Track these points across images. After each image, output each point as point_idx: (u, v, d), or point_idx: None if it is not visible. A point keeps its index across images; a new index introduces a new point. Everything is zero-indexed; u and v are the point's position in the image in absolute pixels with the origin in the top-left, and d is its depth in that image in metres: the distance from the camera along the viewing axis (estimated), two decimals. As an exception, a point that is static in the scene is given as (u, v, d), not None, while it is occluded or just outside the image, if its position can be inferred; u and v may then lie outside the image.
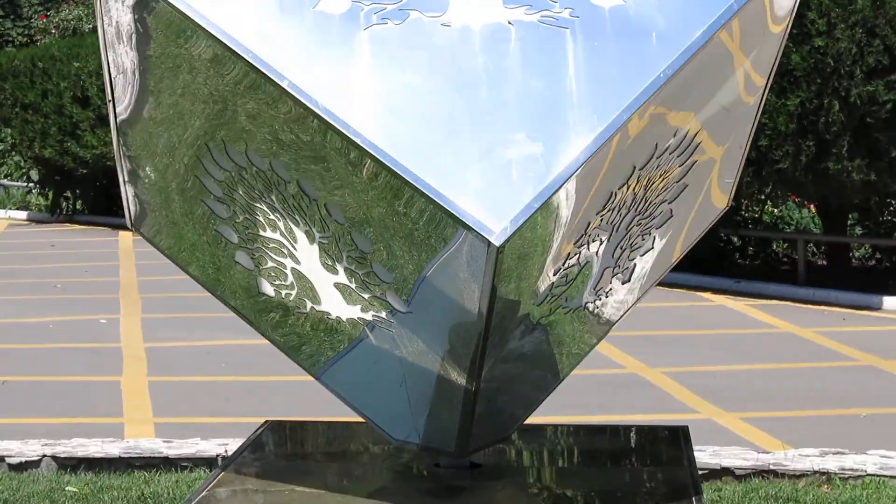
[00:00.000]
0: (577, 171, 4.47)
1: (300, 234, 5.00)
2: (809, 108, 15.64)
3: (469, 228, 4.27)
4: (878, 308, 15.74)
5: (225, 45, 4.59)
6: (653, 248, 5.61)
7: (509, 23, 4.74)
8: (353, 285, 4.98)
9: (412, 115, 4.59)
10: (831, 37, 15.55)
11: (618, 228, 5.20)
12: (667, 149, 5.09)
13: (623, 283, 5.58)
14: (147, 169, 5.63)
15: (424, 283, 4.83)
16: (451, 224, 4.31)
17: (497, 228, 4.27)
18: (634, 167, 4.95)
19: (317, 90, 4.49)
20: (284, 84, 4.47)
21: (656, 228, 5.52)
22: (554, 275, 5.05)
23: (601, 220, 5.05)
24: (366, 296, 4.99)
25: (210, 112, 4.98)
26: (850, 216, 17.61)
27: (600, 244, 5.19)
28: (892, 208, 17.72)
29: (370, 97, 4.60)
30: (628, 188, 5.05)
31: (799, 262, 17.18)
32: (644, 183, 5.14)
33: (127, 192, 5.50)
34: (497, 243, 4.24)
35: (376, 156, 4.36)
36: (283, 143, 4.72)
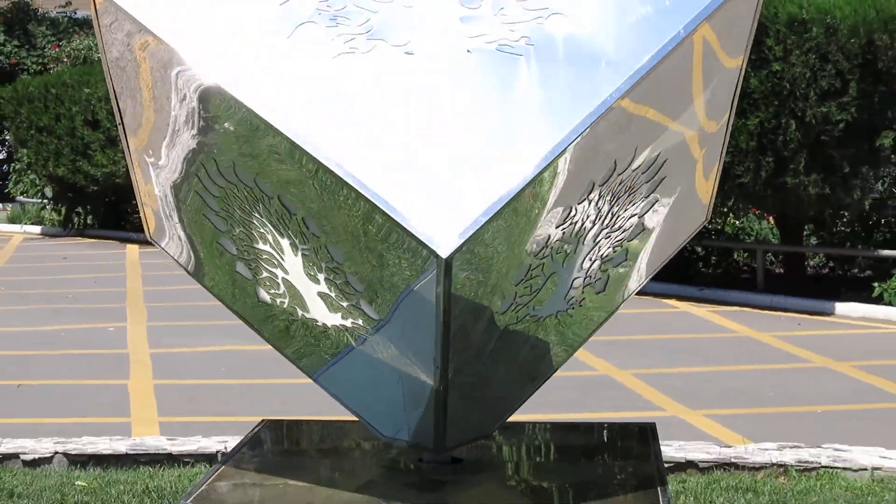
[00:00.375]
0: (525, 188, 4.47)
1: (286, 246, 4.99)
2: (768, 128, 15.70)
3: (420, 242, 4.29)
4: (830, 313, 15.76)
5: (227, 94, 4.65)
6: (626, 259, 5.55)
7: (468, 51, 4.74)
8: (332, 294, 4.99)
9: (372, 136, 4.56)
10: (787, 62, 15.59)
11: (584, 241, 5.16)
12: (629, 167, 5.05)
13: (598, 294, 5.53)
14: (156, 187, 5.64)
15: (389, 292, 4.84)
16: (407, 237, 4.35)
17: (445, 242, 4.28)
18: (594, 183, 4.91)
19: (286, 117, 4.53)
20: (257, 109, 4.49)
21: (628, 241, 5.46)
22: (516, 285, 5.02)
23: (563, 233, 5.01)
24: (345, 304, 5.00)
25: (202, 140, 5.01)
26: (805, 227, 17.69)
27: (565, 256, 5.16)
28: (844, 220, 17.74)
29: (337, 119, 4.61)
30: (590, 203, 5.02)
31: (758, 271, 17.24)
32: (608, 198, 5.11)
33: (143, 207, 5.51)
34: (444, 255, 4.28)
35: (340, 175, 4.40)
36: (264, 163, 4.76)
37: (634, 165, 5.10)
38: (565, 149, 4.55)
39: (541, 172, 4.49)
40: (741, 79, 5.44)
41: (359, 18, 4.86)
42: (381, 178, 4.41)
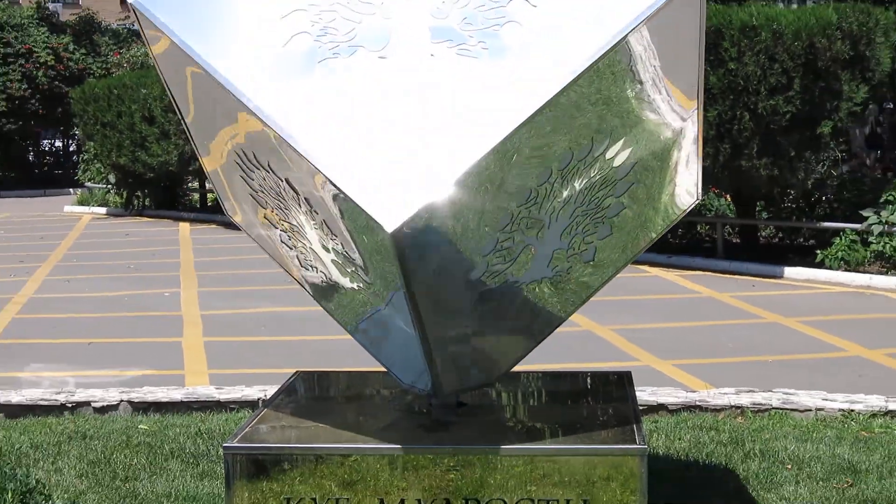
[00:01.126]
0: (465, 177, 4.45)
1: (304, 220, 5.09)
2: (725, 119, 15.70)
3: (371, 218, 4.31)
4: (780, 276, 15.75)
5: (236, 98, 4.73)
6: (611, 234, 5.43)
7: (432, 55, 4.74)
8: (340, 262, 5.09)
9: (342, 129, 4.60)
10: (741, 62, 15.57)
11: (556, 217, 5.10)
12: (590, 154, 4.98)
13: (587, 263, 5.44)
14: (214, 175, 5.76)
15: (374, 266, 4.91)
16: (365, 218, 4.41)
17: (391, 219, 4.30)
18: (551, 169, 4.87)
19: (277, 112, 4.62)
20: (251, 106, 4.60)
21: (610, 218, 5.36)
22: (485, 256, 4.98)
23: (528, 211, 4.96)
24: (350, 271, 5.09)
25: (230, 129, 5.14)
26: (758, 203, 17.66)
27: (539, 230, 5.09)
28: (791, 197, 17.75)
29: (317, 114, 4.65)
30: (553, 186, 4.95)
31: (718, 241, 17.23)
32: (577, 183, 5.05)
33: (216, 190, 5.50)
34: (389, 230, 4.28)
35: (311, 161, 4.46)
36: (273, 151, 4.83)
37: (597, 154, 5.03)
38: (502, 141, 4.50)
39: (479, 163, 4.47)
40: (702, 81, 5.39)
41: (344, 28, 4.88)
42: (346, 163, 4.46)
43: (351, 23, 4.87)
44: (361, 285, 5.20)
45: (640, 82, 5.01)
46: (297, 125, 4.60)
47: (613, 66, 4.76)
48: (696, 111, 5.50)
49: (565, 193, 5.08)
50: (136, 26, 5.31)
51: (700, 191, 5.87)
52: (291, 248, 5.46)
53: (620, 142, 5.12)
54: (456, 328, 5.35)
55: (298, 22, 4.94)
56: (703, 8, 5.14)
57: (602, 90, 4.85)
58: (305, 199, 4.86)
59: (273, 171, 4.92)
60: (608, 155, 5.11)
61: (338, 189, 4.41)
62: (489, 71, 4.67)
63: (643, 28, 4.69)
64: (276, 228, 5.43)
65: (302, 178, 4.75)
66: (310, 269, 5.47)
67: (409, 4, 4.94)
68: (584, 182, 5.14)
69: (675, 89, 5.26)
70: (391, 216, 4.36)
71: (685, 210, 5.85)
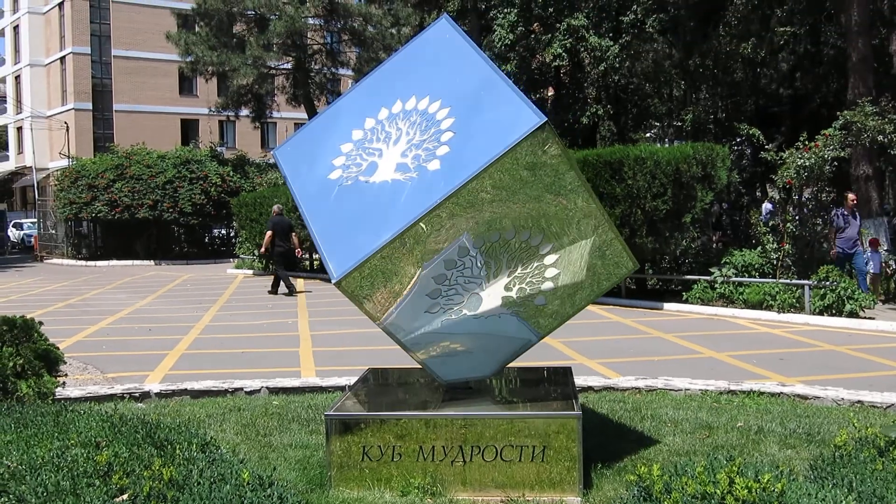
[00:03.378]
0: (381, 250, 4.56)
1: None
2: (626, 214, 15.73)
3: (331, 272, 4.59)
4: (661, 309, 15.71)
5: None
6: (555, 285, 5.16)
7: (391, 180, 4.82)
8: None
9: (337, 223, 4.85)
10: (635, 179, 15.64)
11: (487, 280, 4.93)
12: (501, 238, 4.81)
13: (540, 305, 5.22)
14: None
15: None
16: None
17: (337, 273, 4.58)
18: (460, 246, 4.75)
19: (311, 211, 5.01)
20: (302, 208, 5.01)
21: (543, 284, 5.06)
22: (433, 298, 4.89)
23: (458, 273, 4.82)
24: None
25: None
26: (646, 264, 17.56)
27: (476, 286, 4.95)
28: (666, 260, 17.66)
29: (330, 213, 4.94)
30: (473, 259, 4.81)
31: (622, 287, 17.14)
32: (498, 256, 4.87)
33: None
34: (334, 280, 4.55)
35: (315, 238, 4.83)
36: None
37: (509, 238, 4.84)
38: (411, 225, 4.54)
39: (391, 240, 4.55)
40: (583, 193, 4.84)
41: (356, 165, 5.04)
42: (334, 240, 4.75)
43: (366, 160, 5.01)
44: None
45: (536, 199, 4.74)
46: (319, 217, 4.90)
47: (494, 175, 4.52)
48: (594, 221, 4.96)
49: (491, 264, 4.90)
50: (276, 163, 5.55)
51: (632, 260, 5.35)
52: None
53: (529, 230, 4.87)
54: (440, 346, 5.20)
55: (339, 161, 5.13)
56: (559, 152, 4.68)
57: (482, 196, 4.59)
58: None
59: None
60: (526, 238, 4.90)
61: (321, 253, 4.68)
62: (419, 183, 4.67)
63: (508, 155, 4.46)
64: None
65: None
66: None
67: (389, 151, 4.97)
68: (510, 257, 4.92)
69: (570, 202, 4.86)
70: (337, 270, 4.56)
71: (622, 276, 5.46)
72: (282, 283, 19.12)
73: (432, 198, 4.55)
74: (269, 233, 19.13)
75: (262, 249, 19.91)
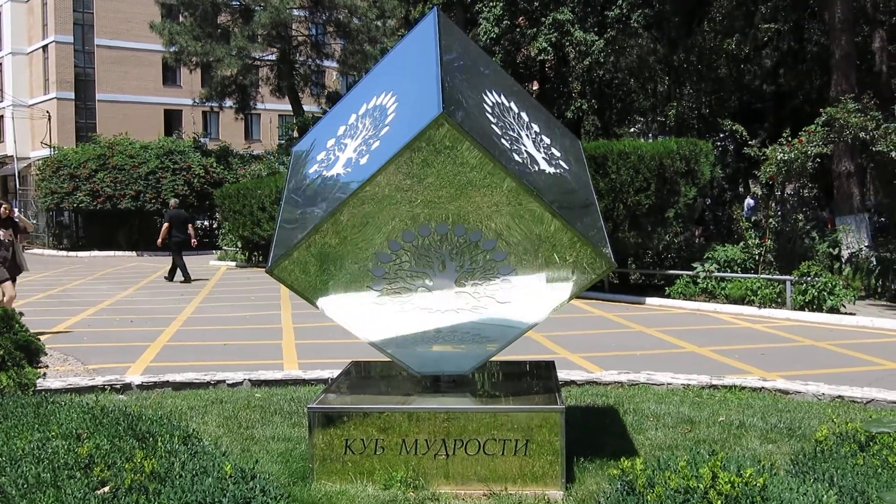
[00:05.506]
0: (304, 241, 4.76)
1: None
2: (609, 209, 15.77)
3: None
4: (643, 303, 15.77)
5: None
6: (514, 286, 5.05)
7: (336, 174, 4.89)
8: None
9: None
10: (619, 174, 15.69)
11: (440, 268, 4.98)
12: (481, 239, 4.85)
13: (501, 304, 5.14)
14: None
15: None
16: None
17: (269, 264, 4.95)
18: (392, 235, 4.82)
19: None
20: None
21: (506, 275, 4.98)
22: (376, 289, 5.07)
23: (393, 263, 4.94)
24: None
25: None
26: (629, 259, 17.62)
27: (424, 278, 5.00)
28: (649, 255, 17.76)
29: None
30: (399, 245, 4.87)
31: (605, 281, 17.19)
32: (433, 244, 4.88)
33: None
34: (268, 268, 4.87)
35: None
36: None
37: (443, 232, 4.83)
38: (330, 214, 4.73)
39: (316, 229, 4.78)
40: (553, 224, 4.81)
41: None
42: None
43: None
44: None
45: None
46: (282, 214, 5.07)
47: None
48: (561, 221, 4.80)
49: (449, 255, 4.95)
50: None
51: (611, 259, 4.99)
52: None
53: (485, 221, 4.80)
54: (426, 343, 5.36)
55: (321, 156, 5.16)
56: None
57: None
58: None
59: None
60: (470, 231, 4.86)
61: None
62: (349, 178, 4.77)
63: None
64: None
65: None
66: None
67: (350, 146, 4.97)
68: (456, 256, 4.94)
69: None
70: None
71: (602, 275, 5.10)
72: (178, 271, 20.60)
73: (350, 191, 4.68)
74: (166, 224, 20.55)
75: (160, 240, 21.07)
